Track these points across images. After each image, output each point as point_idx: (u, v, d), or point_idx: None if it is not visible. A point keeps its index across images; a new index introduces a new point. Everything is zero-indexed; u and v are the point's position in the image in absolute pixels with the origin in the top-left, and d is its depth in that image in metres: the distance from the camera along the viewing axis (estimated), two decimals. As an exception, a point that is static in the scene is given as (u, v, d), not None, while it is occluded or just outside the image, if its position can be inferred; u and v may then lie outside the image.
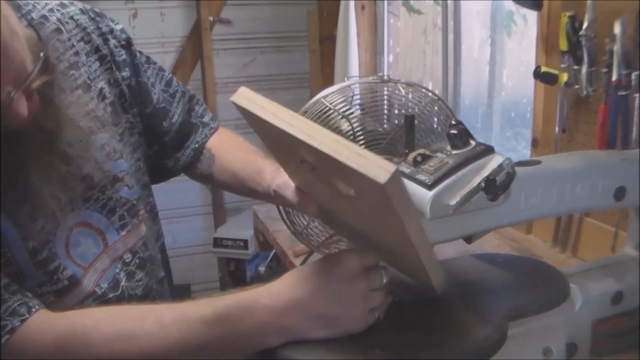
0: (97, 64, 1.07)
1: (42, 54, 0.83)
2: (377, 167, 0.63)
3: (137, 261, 1.09)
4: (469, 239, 0.96)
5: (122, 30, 1.14)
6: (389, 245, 0.83)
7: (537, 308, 0.91)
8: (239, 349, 0.84)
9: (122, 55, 1.12)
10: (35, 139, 0.88)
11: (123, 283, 1.06)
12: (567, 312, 0.98)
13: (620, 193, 0.99)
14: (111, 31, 1.11)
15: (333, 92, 1.22)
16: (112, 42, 1.11)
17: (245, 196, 1.23)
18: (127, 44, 1.14)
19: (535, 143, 1.82)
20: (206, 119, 1.29)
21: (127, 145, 1.11)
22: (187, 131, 1.24)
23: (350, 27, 3.02)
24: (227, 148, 1.24)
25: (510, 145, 2.46)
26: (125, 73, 1.12)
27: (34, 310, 0.87)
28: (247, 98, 0.80)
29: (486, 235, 0.95)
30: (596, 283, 1.03)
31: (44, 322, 0.87)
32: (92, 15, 1.10)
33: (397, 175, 0.62)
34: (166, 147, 1.22)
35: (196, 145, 1.25)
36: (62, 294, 0.96)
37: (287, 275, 0.85)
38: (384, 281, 0.84)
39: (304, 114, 1.20)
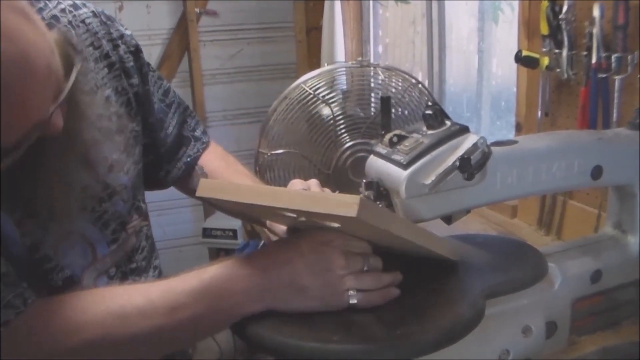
0: (106, 70, 1.06)
1: (77, 64, 0.81)
2: (344, 204, 0.71)
3: (119, 275, 1.08)
4: (448, 220, 0.96)
5: (131, 37, 1.13)
6: (389, 244, 0.87)
7: (514, 287, 0.91)
8: (223, 319, 0.84)
9: (130, 61, 1.10)
10: (54, 141, 0.86)
11: None
12: (546, 291, 0.98)
13: (596, 172, 1.00)
14: (121, 36, 1.10)
15: (313, 77, 1.23)
16: (122, 47, 1.09)
17: (240, 219, 1.24)
18: (136, 51, 1.12)
19: (519, 127, 1.83)
20: (198, 133, 1.27)
21: (130, 155, 1.10)
22: (179, 143, 1.24)
23: (335, 17, 3.01)
24: (223, 169, 1.24)
25: (502, 135, 2.47)
26: (134, 80, 1.11)
27: (29, 301, 0.85)
28: (209, 188, 0.88)
29: (471, 219, 0.97)
30: (575, 262, 1.04)
31: (37, 314, 0.85)
32: (104, 19, 1.08)
33: (364, 203, 0.70)
34: (160, 157, 1.21)
35: (188, 159, 1.24)
36: (55, 292, 0.94)
37: (273, 243, 0.89)
38: (365, 268, 0.84)
39: (285, 99, 1.22)
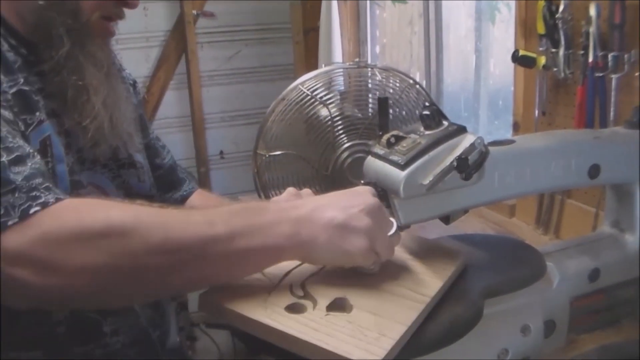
0: (120, 81, 1.13)
1: None
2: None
3: None
4: (446, 220, 0.96)
5: (129, 74, 1.25)
6: None
7: (513, 286, 0.91)
8: (258, 243, 0.79)
9: (131, 88, 1.21)
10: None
11: None
12: (544, 290, 0.98)
13: (594, 171, 1.00)
14: (124, 69, 1.22)
15: (311, 78, 1.24)
16: (126, 74, 1.22)
17: None
18: (134, 84, 1.24)
19: (516, 127, 1.83)
20: (189, 177, 1.36)
21: (141, 152, 1.18)
22: (175, 179, 1.30)
23: (332, 18, 3.02)
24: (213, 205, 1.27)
25: (499, 134, 2.47)
26: (136, 100, 1.21)
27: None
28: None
29: (469, 218, 0.96)
30: (573, 261, 1.04)
31: (69, 202, 0.78)
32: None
33: None
34: (156, 181, 1.24)
35: (184, 193, 1.31)
36: None
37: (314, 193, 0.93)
38: (392, 231, 0.83)
39: (282, 100, 1.22)
